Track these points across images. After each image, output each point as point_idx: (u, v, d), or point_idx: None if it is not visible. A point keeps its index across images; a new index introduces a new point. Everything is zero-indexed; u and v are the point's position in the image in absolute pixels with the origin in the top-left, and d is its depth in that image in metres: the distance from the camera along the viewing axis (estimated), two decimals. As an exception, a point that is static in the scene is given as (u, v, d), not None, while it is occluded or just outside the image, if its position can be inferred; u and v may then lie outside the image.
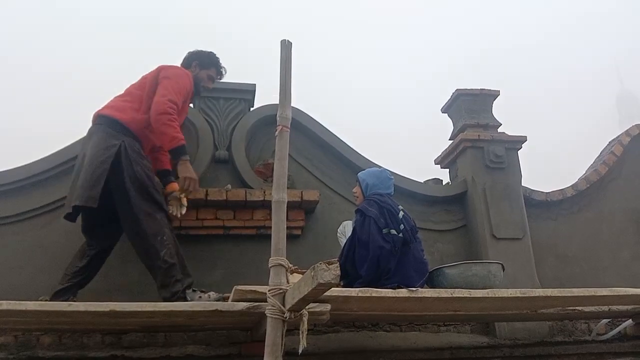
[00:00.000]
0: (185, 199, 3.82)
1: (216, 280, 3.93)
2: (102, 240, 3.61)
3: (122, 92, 3.85)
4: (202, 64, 4.01)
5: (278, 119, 2.69)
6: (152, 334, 3.62)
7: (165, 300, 3.28)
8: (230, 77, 4.71)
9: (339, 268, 1.90)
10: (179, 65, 3.98)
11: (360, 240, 3.32)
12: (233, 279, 4.05)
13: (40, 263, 3.82)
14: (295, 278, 3.26)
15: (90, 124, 3.71)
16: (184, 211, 3.81)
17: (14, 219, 3.92)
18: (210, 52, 4.07)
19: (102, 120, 3.63)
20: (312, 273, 1.98)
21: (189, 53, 4.09)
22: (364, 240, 3.30)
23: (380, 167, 4.12)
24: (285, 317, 2.35)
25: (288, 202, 4.05)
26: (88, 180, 3.39)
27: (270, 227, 4.09)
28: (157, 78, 3.73)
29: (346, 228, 3.69)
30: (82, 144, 3.73)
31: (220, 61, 4.11)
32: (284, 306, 2.38)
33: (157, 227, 3.43)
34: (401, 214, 3.47)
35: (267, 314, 2.40)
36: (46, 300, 3.11)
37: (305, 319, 2.39)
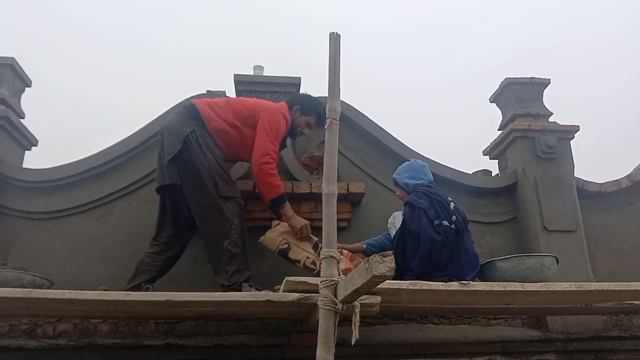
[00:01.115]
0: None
1: (265, 271, 3.98)
2: (178, 229, 3.66)
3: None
4: (304, 109, 3.95)
5: (327, 112, 2.69)
6: (204, 322, 3.71)
7: (222, 287, 3.34)
8: (272, 70, 4.77)
9: (393, 260, 1.90)
10: (280, 104, 3.97)
11: (411, 231, 3.30)
12: (281, 270, 4.11)
13: (94, 254, 3.95)
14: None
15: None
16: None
17: (71, 212, 4.07)
18: (315, 99, 4.03)
19: (184, 105, 3.78)
20: (367, 265, 1.98)
21: (295, 95, 4.12)
22: (415, 232, 3.28)
23: (417, 158, 4.08)
24: (338, 309, 2.36)
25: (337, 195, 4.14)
26: (162, 162, 3.57)
27: (317, 219, 4.23)
28: (256, 114, 3.75)
29: (396, 219, 3.66)
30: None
31: (324, 110, 4.01)
32: (336, 297, 2.38)
33: (224, 216, 3.48)
34: (452, 204, 3.44)
35: (319, 305, 2.41)
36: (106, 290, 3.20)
37: (357, 310, 2.39)
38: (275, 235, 3.68)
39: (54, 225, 4.01)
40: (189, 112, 3.70)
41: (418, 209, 3.35)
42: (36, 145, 4.53)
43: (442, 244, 3.23)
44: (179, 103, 4.13)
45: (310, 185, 4.14)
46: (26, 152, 4.47)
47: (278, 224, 3.76)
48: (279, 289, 3.23)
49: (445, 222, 3.30)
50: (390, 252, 1.91)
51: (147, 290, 3.43)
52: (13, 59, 4.27)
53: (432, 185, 3.62)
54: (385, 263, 1.89)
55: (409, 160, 3.92)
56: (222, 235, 3.44)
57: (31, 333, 3.61)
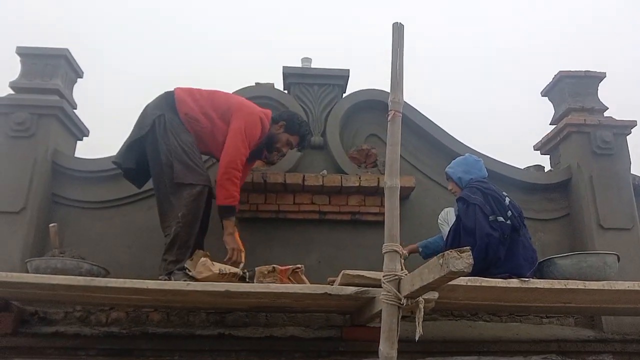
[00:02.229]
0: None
1: (312, 264, 3.97)
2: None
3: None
4: (290, 127, 3.82)
5: (390, 103, 2.63)
6: (254, 314, 3.73)
7: (158, 275, 3.28)
8: (320, 62, 4.74)
9: (471, 256, 1.85)
10: (265, 110, 3.86)
11: (466, 227, 3.23)
12: (328, 263, 4.11)
13: (146, 243, 3.99)
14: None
15: None
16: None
17: (122, 202, 4.14)
18: (303, 121, 3.95)
19: (166, 92, 3.72)
20: (441, 261, 1.94)
21: (285, 112, 4.03)
22: (470, 228, 3.21)
23: (469, 152, 4.01)
24: (402, 304, 2.32)
25: (383, 188, 4.10)
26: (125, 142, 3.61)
27: (365, 213, 4.22)
28: (234, 111, 3.66)
29: (448, 215, 3.60)
30: None
31: (308, 135, 3.95)
32: (399, 292, 2.35)
33: (170, 204, 3.44)
34: (507, 199, 3.37)
35: (383, 300, 2.37)
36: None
37: (421, 306, 2.35)
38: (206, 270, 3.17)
39: (107, 214, 4.08)
40: (166, 97, 3.68)
41: (472, 205, 3.28)
42: (87, 136, 4.61)
43: (498, 240, 3.16)
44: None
45: (359, 178, 4.11)
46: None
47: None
48: (332, 282, 3.22)
49: (501, 218, 3.23)
50: (467, 247, 1.86)
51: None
52: (67, 50, 4.34)
53: (486, 180, 3.54)
54: (463, 259, 1.85)
55: (460, 155, 3.85)
56: (168, 223, 3.42)
57: (85, 320, 3.68)
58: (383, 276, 2.42)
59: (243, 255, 3.57)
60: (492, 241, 3.12)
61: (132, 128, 3.66)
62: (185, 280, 3.14)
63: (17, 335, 3.38)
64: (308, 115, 4.42)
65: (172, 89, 3.72)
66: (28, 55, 4.31)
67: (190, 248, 3.44)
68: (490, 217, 3.22)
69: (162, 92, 3.74)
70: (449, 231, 3.39)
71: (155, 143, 3.51)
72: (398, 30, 2.72)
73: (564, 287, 2.96)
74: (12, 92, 4.21)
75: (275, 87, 4.57)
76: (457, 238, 3.30)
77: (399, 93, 2.68)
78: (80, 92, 4.62)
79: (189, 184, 3.45)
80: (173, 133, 3.53)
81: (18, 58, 4.31)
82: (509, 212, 3.27)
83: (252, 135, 3.64)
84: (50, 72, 4.26)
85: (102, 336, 3.52)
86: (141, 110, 3.70)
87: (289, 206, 4.14)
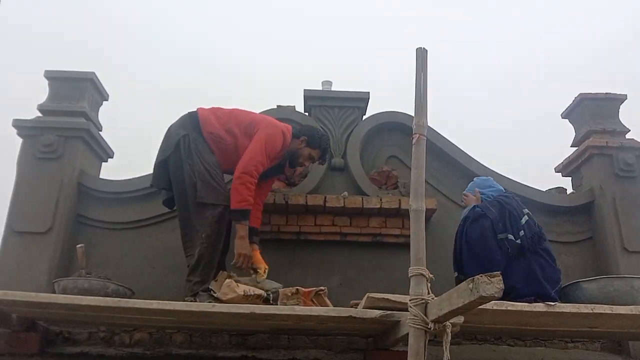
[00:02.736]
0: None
1: (333, 286, 3.96)
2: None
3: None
4: (311, 142, 3.83)
5: (414, 127, 2.66)
6: (276, 335, 3.72)
7: (184, 297, 3.35)
8: (340, 84, 4.80)
9: (502, 281, 1.85)
10: (286, 125, 3.90)
11: (470, 239, 3.26)
12: (349, 285, 4.11)
13: (170, 264, 4.03)
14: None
15: None
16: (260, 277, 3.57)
17: (146, 222, 4.19)
18: (324, 135, 3.99)
19: (190, 112, 3.79)
20: (471, 285, 1.93)
21: (306, 126, 4.04)
22: (474, 240, 3.24)
23: (489, 174, 4.10)
24: (430, 328, 2.31)
25: (405, 210, 4.10)
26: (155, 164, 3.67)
27: (386, 235, 4.22)
28: (256, 125, 3.73)
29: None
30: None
31: (328, 148, 4.00)
32: (426, 317, 2.34)
33: (193, 224, 3.50)
34: (524, 219, 3.35)
35: (409, 324, 2.37)
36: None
37: (449, 330, 2.34)
38: (231, 291, 3.20)
39: (131, 235, 4.13)
40: (190, 117, 3.74)
41: (485, 218, 3.30)
42: (112, 157, 4.69)
43: (500, 262, 3.19)
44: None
45: (381, 200, 4.13)
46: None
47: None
48: (356, 305, 3.22)
49: (511, 237, 3.24)
50: (497, 272, 1.86)
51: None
52: (93, 73, 4.45)
53: (509, 195, 3.55)
54: (494, 284, 1.85)
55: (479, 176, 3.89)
56: (190, 243, 3.48)
57: (109, 341, 3.70)
58: (410, 300, 2.42)
59: (262, 266, 3.62)
60: (495, 263, 3.14)
61: (157, 149, 3.73)
62: (210, 302, 3.17)
63: (43, 356, 3.41)
64: (329, 137, 4.46)
65: (195, 109, 3.79)
66: (56, 79, 4.41)
67: (214, 268, 3.51)
68: (500, 235, 3.25)
69: (184, 112, 3.82)
70: (456, 237, 3.41)
71: (180, 163, 3.57)
72: (421, 54, 2.76)
73: (591, 311, 2.93)
74: (39, 114, 4.31)
75: (296, 109, 4.63)
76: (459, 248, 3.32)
77: (423, 117, 2.71)
78: (106, 113, 4.72)
79: (211, 204, 3.52)
80: (197, 153, 3.59)
81: (46, 81, 4.43)
82: (522, 231, 3.27)
83: (273, 147, 3.69)
84: (77, 95, 4.36)
85: (126, 357, 3.55)
86: (165, 131, 3.77)
87: (310, 227, 4.17)
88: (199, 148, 3.61)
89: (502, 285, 1.84)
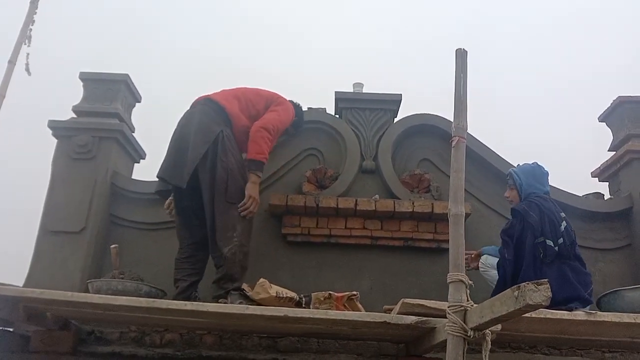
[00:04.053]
0: None
1: (364, 290, 3.91)
2: (193, 228, 3.71)
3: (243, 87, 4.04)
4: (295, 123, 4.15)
5: (454, 129, 2.60)
6: (305, 339, 3.69)
7: (213, 297, 3.36)
8: (371, 87, 4.75)
9: (549, 289, 1.79)
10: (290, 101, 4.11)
11: (519, 242, 3.20)
12: (380, 289, 4.07)
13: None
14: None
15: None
16: None
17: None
18: (298, 104, 4.18)
19: (209, 104, 3.77)
20: (516, 293, 1.88)
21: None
22: (519, 248, 3.19)
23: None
24: (469, 336, 2.26)
25: (438, 214, 4.05)
26: (185, 161, 3.56)
27: (418, 239, 4.16)
28: (270, 101, 3.93)
29: (487, 260, 3.54)
30: (183, 120, 3.79)
31: (300, 120, 4.22)
32: (466, 324, 2.28)
33: (229, 221, 3.50)
34: (563, 225, 3.26)
35: (448, 332, 2.32)
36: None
37: (489, 338, 2.29)
38: (264, 291, 3.23)
39: (163, 235, 4.14)
40: (215, 111, 3.74)
41: (528, 224, 3.20)
42: (144, 158, 4.73)
43: (540, 265, 3.14)
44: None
45: (413, 203, 4.07)
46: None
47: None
48: (389, 310, 3.18)
49: (550, 242, 3.16)
50: (545, 280, 1.80)
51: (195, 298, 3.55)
52: (127, 75, 4.49)
53: (548, 197, 3.45)
54: (541, 292, 1.79)
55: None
56: (223, 242, 3.46)
57: (140, 341, 3.71)
58: (448, 307, 2.36)
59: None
60: (536, 266, 3.11)
61: (188, 144, 3.63)
62: (241, 302, 3.18)
63: (76, 354, 3.44)
64: (360, 140, 4.43)
65: (213, 99, 3.79)
66: (90, 81, 4.47)
67: (246, 268, 3.54)
68: (539, 238, 3.16)
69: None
70: (509, 249, 3.28)
71: (215, 160, 3.57)
72: (462, 56, 2.70)
73: (633, 321, 2.83)
74: (74, 115, 4.37)
75: (327, 111, 4.60)
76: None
77: (463, 119, 2.65)
78: (139, 115, 4.76)
79: (232, 205, 3.57)
80: (230, 151, 3.63)
81: (80, 83, 4.48)
82: (561, 239, 3.19)
83: (286, 120, 3.93)
84: (111, 97, 4.41)
85: (157, 357, 3.56)
86: (183, 119, 3.76)
87: (340, 231, 4.13)
88: (232, 145, 3.67)
89: (549, 294, 1.79)
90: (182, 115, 3.84)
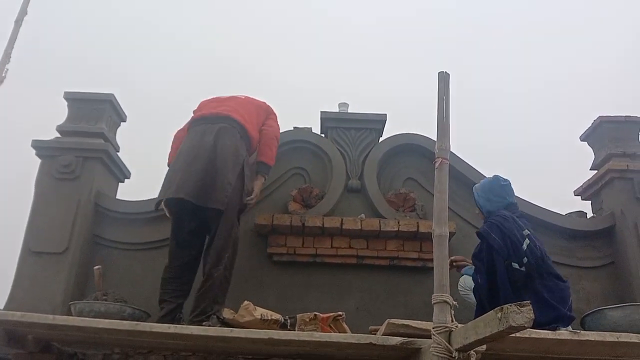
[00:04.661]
0: None
1: (350, 310, 3.90)
2: (191, 248, 3.69)
3: (239, 97, 4.10)
4: None
5: (437, 151, 2.63)
6: (293, 360, 3.66)
7: (192, 313, 3.36)
8: (357, 106, 4.80)
9: (532, 311, 1.80)
10: None
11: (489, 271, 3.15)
12: (367, 309, 4.06)
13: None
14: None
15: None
16: None
17: (163, 244, 4.11)
18: None
19: (234, 124, 3.80)
20: (499, 314, 1.89)
21: None
22: (489, 270, 3.14)
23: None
24: (454, 357, 2.26)
25: (423, 233, 4.07)
26: (218, 182, 3.53)
27: (404, 258, 4.17)
28: (267, 112, 4.13)
29: (466, 282, 3.50)
30: (199, 136, 3.75)
31: None
32: (450, 345, 2.29)
33: (226, 243, 3.54)
34: (526, 243, 3.12)
35: (433, 353, 2.32)
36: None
37: (473, 359, 2.29)
38: (248, 314, 3.19)
39: (147, 256, 4.11)
40: (240, 132, 3.80)
41: (492, 248, 3.12)
42: (129, 178, 4.70)
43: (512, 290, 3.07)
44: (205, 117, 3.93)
45: (398, 222, 4.09)
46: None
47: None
48: (375, 330, 3.17)
49: (515, 265, 3.07)
50: (527, 302, 1.81)
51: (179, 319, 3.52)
52: (112, 95, 4.48)
53: (507, 215, 3.28)
54: (523, 313, 1.80)
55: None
56: (217, 261, 3.47)
57: (123, 363, 3.66)
58: (433, 327, 2.37)
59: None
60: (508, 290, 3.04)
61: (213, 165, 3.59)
62: (220, 326, 3.15)
63: (57, 378, 3.38)
64: (345, 159, 4.45)
65: (237, 119, 3.82)
66: (75, 100, 4.46)
67: (227, 291, 3.56)
68: (506, 260, 3.08)
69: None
70: (480, 274, 3.23)
71: (236, 185, 3.63)
72: (444, 78, 2.75)
73: (616, 340, 2.85)
74: (58, 135, 4.34)
75: (313, 131, 4.63)
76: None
77: (446, 141, 2.68)
78: (123, 134, 4.74)
79: (236, 226, 3.67)
80: (247, 178, 3.75)
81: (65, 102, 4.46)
82: (525, 258, 3.08)
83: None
84: (96, 116, 4.40)
85: (141, 380, 3.50)
86: (209, 141, 3.69)
87: (326, 250, 4.14)
88: (248, 174, 3.78)
89: (532, 315, 1.80)
90: (195, 132, 3.80)
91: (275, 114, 4.18)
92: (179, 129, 4.09)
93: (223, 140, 3.67)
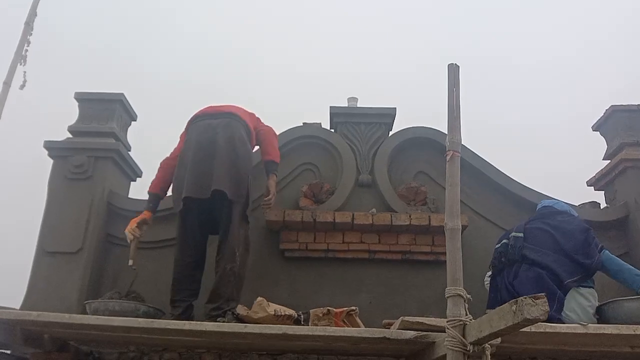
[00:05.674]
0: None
1: (363, 304, 3.90)
2: (200, 245, 3.73)
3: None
4: None
5: (448, 143, 2.62)
6: (305, 356, 3.67)
7: (207, 311, 3.35)
8: (366, 101, 4.78)
9: (546, 303, 1.79)
10: None
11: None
12: (379, 303, 4.06)
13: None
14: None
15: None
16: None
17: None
18: None
19: (237, 119, 3.85)
20: (514, 307, 1.88)
21: None
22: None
23: (521, 190, 4.22)
24: (469, 350, 2.26)
25: (435, 226, 4.05)
26: (238, 173, 3.62)
27: (416, 252, 4.15)
28: (257, 118, 4.12)
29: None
30: (204, 132, 3.74)
31: None
32: (465, 338, 2.28)
33: (238, 239, 3.55)
34: (503, 242, 3.59)
35: (448, 346, 2.31)
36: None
37: (488, 352, 2.29)
38: (262, 310, 3.22)
39: (161, 254, 4.12)
40: (244, 128, 3.86)
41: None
42: (140, 177, 4.72)
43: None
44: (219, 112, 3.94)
45: (410, 216, 4.08)
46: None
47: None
48: (388, 324, 3.17)
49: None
50: (542, 294, 1.80)
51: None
52: (122, 94, 4.50)
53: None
54: (538, 306, 1.79)
55: (512, 192, 3.82)
56: (228, 259, 3.48)
57: (139, 361, 3.69)
58: (447, 321, 2.36)
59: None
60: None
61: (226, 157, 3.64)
62: (234, 322, 3.17)
63: (74, 376, 3.42)
64: (355, 154, 4.44)
65: (239, 115, 3.88)
66: (85, 100, 4.47)
67: (241, 287, 3.56)
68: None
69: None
70: None
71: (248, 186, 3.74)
72: (454, 71, 2.73)
73: (633, 332, 2.84)
74: (70, 135, 4.37)
75: (322, 126, 4.62)
76: None
77: (457, 133, 2.67)
78: (134, 133, 4.77)
79: (247, 222, 3.71)
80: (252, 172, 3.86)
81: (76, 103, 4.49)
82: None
83: None
84: (107, 116, 4.41)
85: (156, 377, 3.53)
86: (216, 134, 3.71)
87: (338, 245, 4.13)
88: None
89: (547, 307, 1.79)
90: (198, 127, 3.80)
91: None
92: (166, 157, 3.98)
93: (230, 132, 3.72)
